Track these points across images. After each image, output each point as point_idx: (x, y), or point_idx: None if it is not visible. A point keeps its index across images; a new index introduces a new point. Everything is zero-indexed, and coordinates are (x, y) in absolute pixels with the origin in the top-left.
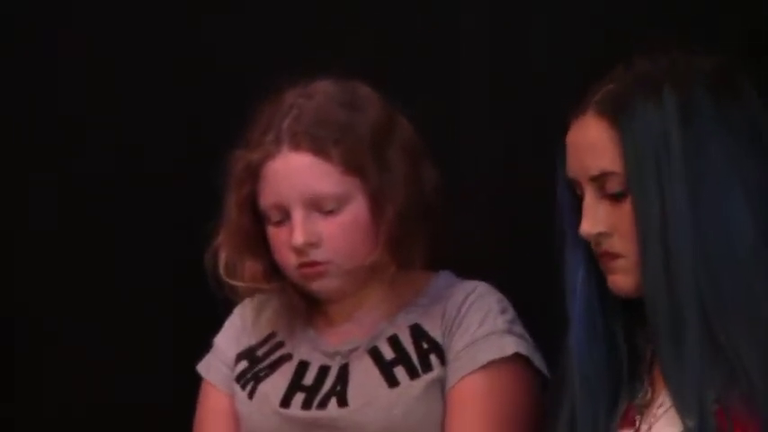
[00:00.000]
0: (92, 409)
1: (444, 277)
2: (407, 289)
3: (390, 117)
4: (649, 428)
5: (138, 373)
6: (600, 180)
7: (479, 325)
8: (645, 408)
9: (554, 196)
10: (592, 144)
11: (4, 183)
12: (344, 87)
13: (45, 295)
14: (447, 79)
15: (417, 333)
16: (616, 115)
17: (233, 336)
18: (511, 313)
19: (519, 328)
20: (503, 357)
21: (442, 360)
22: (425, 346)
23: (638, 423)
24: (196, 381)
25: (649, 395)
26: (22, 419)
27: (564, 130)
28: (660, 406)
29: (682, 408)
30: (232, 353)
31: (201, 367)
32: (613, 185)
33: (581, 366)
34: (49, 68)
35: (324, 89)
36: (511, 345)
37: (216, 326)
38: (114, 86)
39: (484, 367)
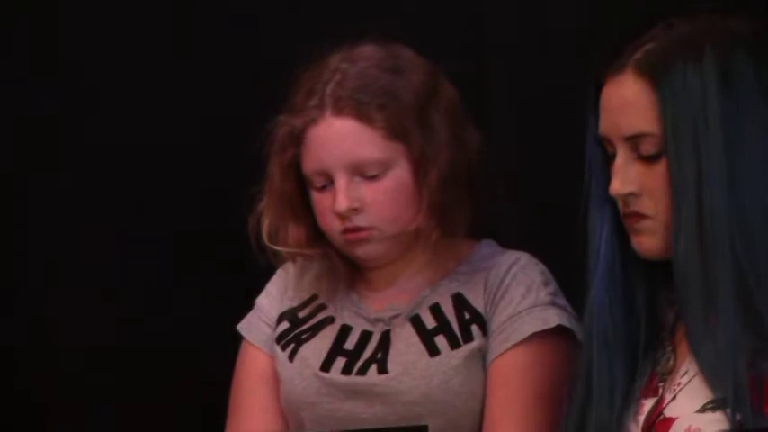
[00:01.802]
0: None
1: (487, 246)
2: (450, 257)
3: (434, 80)
4: (674, 398)
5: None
6: (634, 140)
7: (523, 297)
8: (667, 375)
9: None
10: (628, 103)
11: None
12: (388, 51)
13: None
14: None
15: (459, 302)
16: (656, 76)
17: (276, 296)
18: (553, 285)
19: (562, 300)
20: (546, 330)
21: (484, 331)
22: (467, 316)
23: (661, 391)
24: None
25: (672, 362)
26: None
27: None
28: (684, 374)
29: (712, 378)
30: (275, 312)
31: (242, 327)
32: (648, 147)
33: (599, 327)
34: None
35: (368, 54)
36: (554, 317)
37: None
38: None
39: (527, 340)
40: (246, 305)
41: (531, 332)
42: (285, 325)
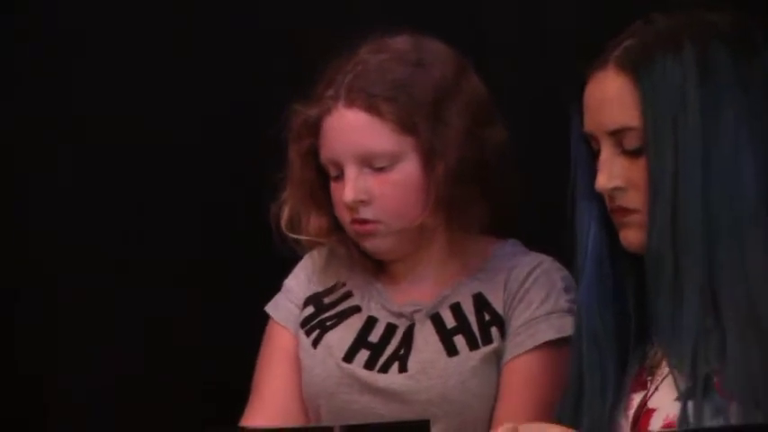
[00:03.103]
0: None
1: (510, 245)
2: (471, 254)
3: (459, 75)
4: (656, 389)
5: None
6: (618, 135)
7: (541, 303)
8: (656, 369)
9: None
10: (611, 99)
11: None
12: (416, 44)
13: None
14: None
15: (480, 303)
16: (636, 70)
17: (303, 279)
18: (573, 292)
19: None
20: (561, 338)
21: (503, 333)
22: (487, 317)
23: (649, 385)
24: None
25: (659, 355)
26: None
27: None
28: (666, 367)
29: (676, 368)
30: (303, 294)
31: (270, 307)
32: (631, 141)
33: (589, 323)
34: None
35: (395, 46)
36: (570, 326)
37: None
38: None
39: (541, 346)
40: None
41: (545, 339)
42: (310, 309)
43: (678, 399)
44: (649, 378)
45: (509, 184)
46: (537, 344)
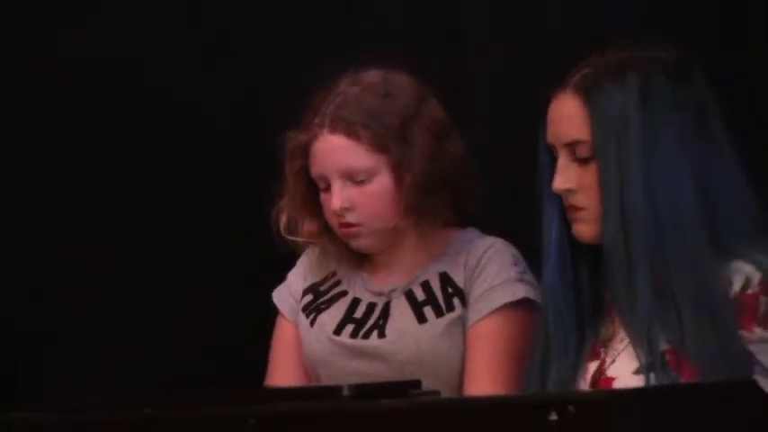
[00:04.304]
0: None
1: (468, 233)
2: (437, 242)
3: (420, 102)
4: (613, 361)
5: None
6: (572, 146)
7: (496, 274)
8: (608, 342)
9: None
10: (567, 116)
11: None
12: (385, 78)
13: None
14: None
15: (444, 279)
16: (588, 94)
17: (301, 274)
18: (522, 265)
19: (529, 277)
20: (514, 301)
21: (464, 302)
22: (450, 290)
23: (602, 355)
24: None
25: (611, 330)
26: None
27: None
28: (621, 341)
29: (636, 344)
30: (300, 287)
31: (275, 295)
32: (582, 151)
33: (554, 302)
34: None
35: (367, 80)
36: (521, 291)
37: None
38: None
39: (499, 309)
40: None
41: (502, 303)
42: (309, 297)
43: (637, 371)
44: (602, 349)
45: (467, 184)
46: (494, 308)
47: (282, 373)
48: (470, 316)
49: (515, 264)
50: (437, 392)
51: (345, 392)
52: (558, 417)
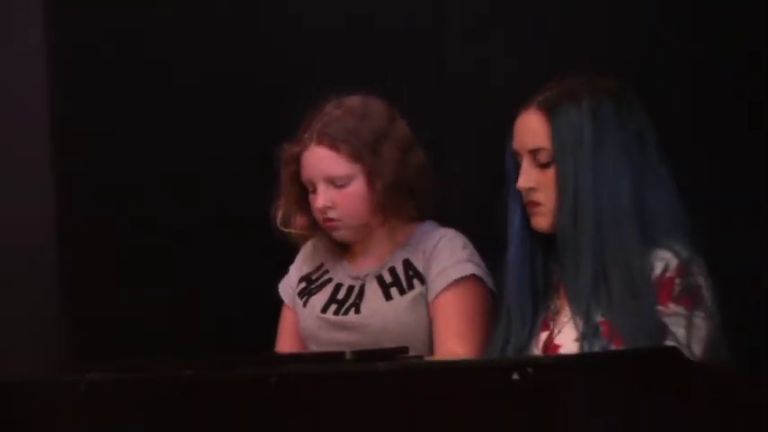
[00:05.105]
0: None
1: (427, 225)
2: (402, 234)
3: (390, 122)
4: (559, 331)
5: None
6: (534, 152)
7: (448, 257)
8: (556, 316)
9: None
10: (532, 128)
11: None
12: (364, 102)
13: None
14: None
15: (407, 265)
16: (550, 111)
17: (298, 265)
18: (471, 249)
19: (477, 259)
20: (464, 276)
21: (422, 282)
22: (411, 273)
23: (551, 326)
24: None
25: (559, 305)
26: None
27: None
28: (566, 316)
29: (576, 316)
30: (296, 277)
31: (280, 288)
32: (543, 157)
33: (513, 279)
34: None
35: (349, 103)
36: (469, 268)
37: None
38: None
39: (453, 283)
40: None
41: (454, 278)
42: (303, 284)
43: (577, 339)
44: (552, 322)
45: (427, 187)
46: (448, 282)
47: (286, 349)
48: (431, 292)
49: (464, 248)
50: (421, 356)
51: (348, 356)
52: (519, 377)
